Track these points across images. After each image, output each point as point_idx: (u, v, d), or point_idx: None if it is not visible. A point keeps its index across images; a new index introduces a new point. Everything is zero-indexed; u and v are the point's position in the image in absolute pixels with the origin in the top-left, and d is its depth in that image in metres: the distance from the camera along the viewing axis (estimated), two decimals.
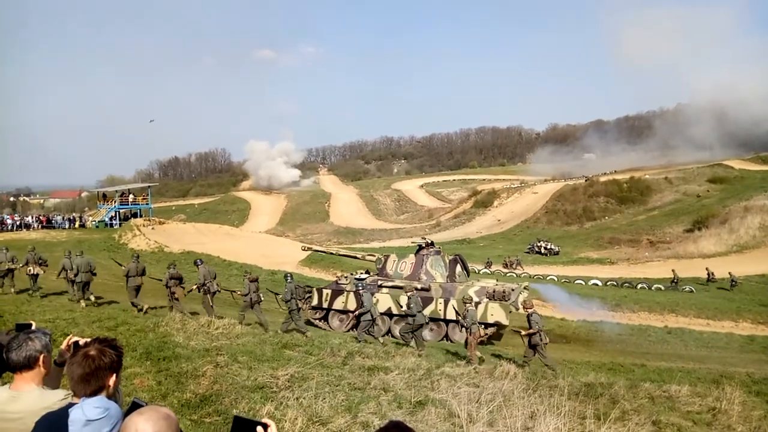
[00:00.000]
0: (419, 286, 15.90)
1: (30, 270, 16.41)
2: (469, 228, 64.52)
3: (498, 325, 15.25)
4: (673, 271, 33.15)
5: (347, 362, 9.41)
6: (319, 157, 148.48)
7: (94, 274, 15.91)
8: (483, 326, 14.55)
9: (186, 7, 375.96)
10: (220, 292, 14.53)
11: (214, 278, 14.35)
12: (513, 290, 15.97)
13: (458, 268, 17.10)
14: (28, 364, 2.38)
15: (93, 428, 2.01)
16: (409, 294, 13.89)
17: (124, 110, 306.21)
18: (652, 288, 29.88)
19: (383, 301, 16.22)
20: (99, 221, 46.65)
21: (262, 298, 13.99)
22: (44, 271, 16.71)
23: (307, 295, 17.29)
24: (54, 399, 2.33)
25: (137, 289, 14.64)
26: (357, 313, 14.45)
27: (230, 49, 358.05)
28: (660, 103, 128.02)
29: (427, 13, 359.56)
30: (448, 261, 17.11)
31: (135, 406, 2.14)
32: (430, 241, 17.94)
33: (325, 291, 17.25)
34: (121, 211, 46.95)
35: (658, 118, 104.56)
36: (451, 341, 15.40)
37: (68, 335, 2.72)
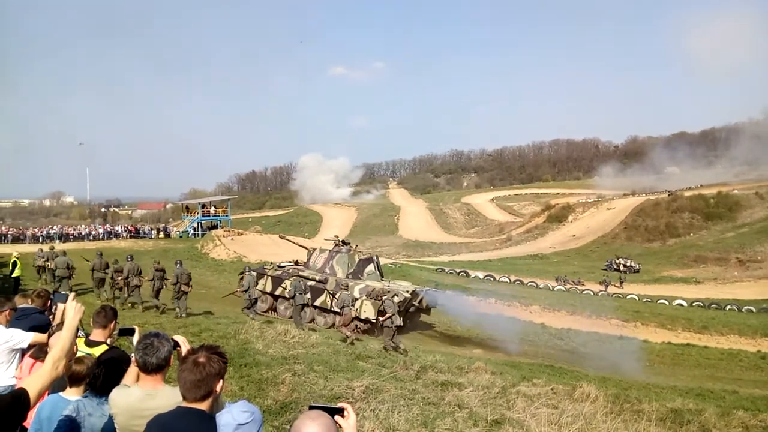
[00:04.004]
0: (318, 277, 18.11)
1: (51, 266, 19.09)
2: (542, 243, 62.84)
3: (369, 321, 16.58)
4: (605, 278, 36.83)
5: (420, 376, 9.39)
6: (389, 170, 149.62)
7: (71, 270, 17.95)
8: (357, 320, 16.59)
9: (260, 34, 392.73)
10: (140, 286, 16.67)
11: (139, 274, 16.66)
12: (389, 291, 16.59)
13: (370, 267, 18.63)
14: (164, 365, 2.58)
15: (243, 431, 2.15)
16: (291, 279, 16.46)
17: (207, 127, 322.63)
18: (743, 310, 27.96)
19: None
20: (182, 231, 49.18)
21: (165, 286, 16.44)
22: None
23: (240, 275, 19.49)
24: None
25: (101, 280, 17.65)
26: (242, 293, 16.79)
27: (305, 67, 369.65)
28: (748, 114, 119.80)
29: (497, 27, 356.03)
30: (357, 260, 18.73)
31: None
32: (342, 240, 19.70)
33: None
34: (202, 222, 49.28)
35: (746, 130, 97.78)
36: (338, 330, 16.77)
37: None
